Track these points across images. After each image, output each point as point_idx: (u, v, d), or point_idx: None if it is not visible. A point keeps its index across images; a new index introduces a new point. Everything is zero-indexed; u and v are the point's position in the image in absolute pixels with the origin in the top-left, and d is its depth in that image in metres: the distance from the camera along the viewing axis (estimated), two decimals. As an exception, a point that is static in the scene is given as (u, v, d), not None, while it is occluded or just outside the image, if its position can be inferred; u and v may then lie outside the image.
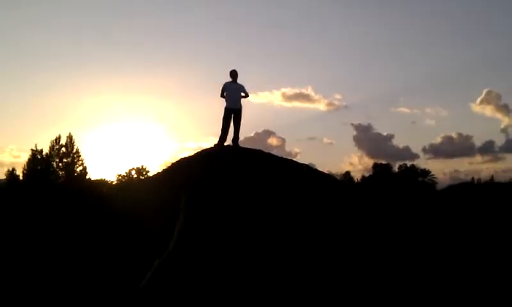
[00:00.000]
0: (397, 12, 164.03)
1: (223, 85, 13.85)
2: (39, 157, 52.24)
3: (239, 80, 13.95)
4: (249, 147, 14.28)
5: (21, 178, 52.36)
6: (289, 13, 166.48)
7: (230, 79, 13.85)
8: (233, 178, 11.28)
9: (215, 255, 8.31)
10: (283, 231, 9.24)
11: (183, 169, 12.56)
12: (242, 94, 13.86)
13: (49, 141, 53.16)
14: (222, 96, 13.84)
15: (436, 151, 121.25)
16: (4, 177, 54.94)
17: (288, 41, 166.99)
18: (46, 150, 52.59)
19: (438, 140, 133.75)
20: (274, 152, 14.73)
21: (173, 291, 7.41)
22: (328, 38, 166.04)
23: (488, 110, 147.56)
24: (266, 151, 14.30)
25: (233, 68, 13.94)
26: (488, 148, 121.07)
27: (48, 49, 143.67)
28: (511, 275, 8.48)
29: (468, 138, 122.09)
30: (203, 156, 13.32)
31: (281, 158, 13.97)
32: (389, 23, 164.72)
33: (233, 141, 13.71)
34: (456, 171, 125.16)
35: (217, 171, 11.65)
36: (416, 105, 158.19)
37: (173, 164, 13.82)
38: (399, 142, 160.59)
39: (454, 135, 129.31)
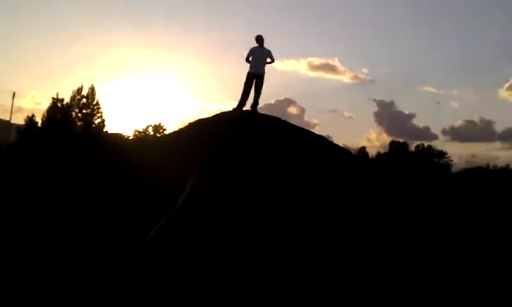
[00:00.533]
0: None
1: (250, 49, 13.82)
2: (59, 105, 52.69)
3: (265, 46, 13.90)
4: (267, 114, 14.34)
5: (39, 125, 52.92)
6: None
7: (256, 45, 13.82)
8: (247, 144, 11.37)
9: (223, 218, 8.45)
10: (291, 201, 9.34)
11: (199, 130, 12.66)
12: (268, 59, 13.83)
13: (71, 91, 53.61)
14: (247, 60, 13.82)
15: (455, 133, 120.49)
16: (23, 123, 55.64)
17: (320, 10, 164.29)
18: (67, 99, 53.06)
19: (460, 123, 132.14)
20: (293, 121, 14.78)
21: (178, 247, 7.58)
22: (360, 10, 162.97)
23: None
24: (285, 119, 14.34)
25: (259, 34, 13.88)
26: (509, 135, 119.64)
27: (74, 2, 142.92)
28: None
29: (489, 123, 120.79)
30: (220, 119, 13.40)
31: (297, 127, 14.00)
32: (422, 1, 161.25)
33: (252, 106, 13.75)
34: (473, 155, 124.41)
35: (232, 135, 11.74)
36: (443, 86, 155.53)
37: (190, 124, 13.92)
38: (419, 121, 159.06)
39: (476, 119, 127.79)
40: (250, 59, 13.74)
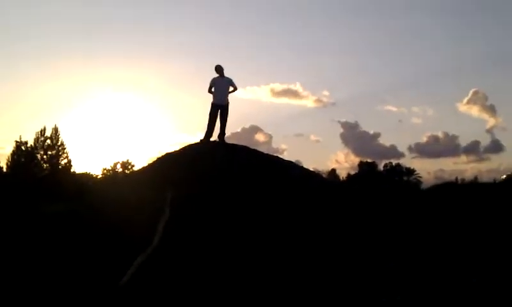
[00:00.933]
0: (386, 12, 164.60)
1: (211, 80, 13.77)
2: (23, 148, 51.79)
3: (227, 74, 13.88)
4: (235, 143, 14.29)
5: (5, 170, 51.89)
6: (280, 8, 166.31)
7: (216, 75, 13.78)
8: (218, 175, 11.27)
9: (199, 251, 8.28)
10: (266, 229, 9.23)
11: (168, 165, 12.52)
12: (231, 88, 13.79)
13: (34, 133, 52.81)
14: (210, 91, 13.76)
15: (421, 150, 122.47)
16: (-13, 169, 54.48)
17: (278, 37, 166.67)
18: (31, 142, 52.21)
19: (424, 139, 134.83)
20: (261, 148, 14.79)
21: (155, 288, 7.35)
22: (318, 34, 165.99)
23: (475, 110, 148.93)
24: (253, 147, 14.32)
25: (218, 64, 13.81)
26: (473, 148, 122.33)
27: (34, 40, 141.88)
28: (493, 276, 8.53)
29: (453, 138, 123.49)
30: (188, 151, 13.28)
31: (267, 154, 13.97)
32: (378, 23, 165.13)
33: (219, 136, 13.69)
34: (440, 170, 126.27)
35: (203, 167, 11.62)
36: (403, 104, 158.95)
37: (158, 159, 13.76)
38: (385, 140, 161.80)
39: (440, 134, 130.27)
40: (212, 89, 13.70)
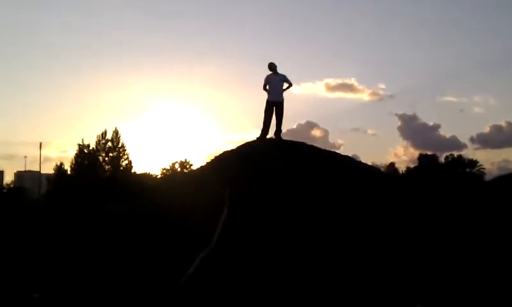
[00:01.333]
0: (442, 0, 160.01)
1: (265, 78, 13.80)
2: (86, 151, 53.57)
3: (281, 71, 13.86)
4: (292, 139, 14.24)
5: (69, 172, 53.81)
6: (333, 4, 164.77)
7: (270, 72, 13.79)
8: (275, 172, 11.25)
9: (258, 249, 8.30)
10: (325, 226, 9.16)
11: (225, 163, 12.60)
12: (286, 85, 13.77)
13: (95, 136, 54.53)
14: (265, 89, 13.79)
15: (484, 140, 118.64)
16: (52, 171, 56.68)
17: (332, 31, 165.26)
18: (92, 145, 53.94)
19: (487, 129, 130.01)
20: (318, 144, 14.69)
21: (215, 285, 7.43)
22: (371, 26, 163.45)
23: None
24: (309, 143, 14.23)
25: (271, 61, 13.84)
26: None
27: (95, 48, 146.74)
28: None
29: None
30: (245, 149, 13.33)
31: (324, 150, 13.87)
32: (434, 10, 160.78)
33: (275, 133, 13.66)
34: (504, 161, 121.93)
35: (261, 165, 11.63)
36: (464, 94, 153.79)
37: (215, 158, 13.89)
38: (445, 132, 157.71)
39: (503, 124, 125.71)
40: (267, 87, 13.70)
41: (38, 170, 66.05)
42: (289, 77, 13.80)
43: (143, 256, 8.67)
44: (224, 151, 13.95)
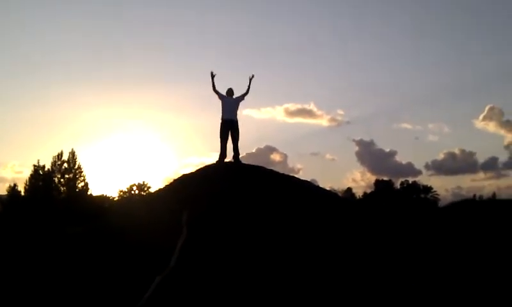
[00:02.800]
0: (397, 27, 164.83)
1: (221, 95, 13.83)
2: (41, 172, 52.42)
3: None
4: (250, 163, 14.33)
5: (23, 193, 52.47)
6: (291, 29, 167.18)
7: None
8: (234, 195, 11.30)
9: (217, 272, 8.30)
10: (283, 249, 9.23)
11: (184, 186, 12.58)
12: (241, 101, 13.86)
13: (51, 157, 53.49)
14: (215, 91, 13.82)
15: (438, 167, 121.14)
16: (6, 193, 55.12)
17: (291, 57, 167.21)
18: (48, 166, 52.84)
19: (441, 156, 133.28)
20: (277, 168, 14.80)
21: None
22: (331, 53, 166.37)
23: (491, 127, 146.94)
24: (268, 167, 14.35)
25: (230, 87, 14.03)
26: (491, 165, 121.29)
27: (51, 63, 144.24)
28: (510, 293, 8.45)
29: (471, 154, 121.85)
30: (204, 172, 13.35)
31: (282, 174, 13.99)
32: (390, 39, 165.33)
33: (233, 157, 13.70)
34: (458, 187, 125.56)
35: (219, 188, 11.66)
36: (419, 121, 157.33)
37: (174, 181, 13.85)
38: (401, 158, 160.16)
39: (456, 151, 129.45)
40: (220, 105, 13.71)
41: (-10, 191, 64.10)
42: (248, 101, 13.99)
43: (100, 278, 8.53)
44: (183, 174, 13.95)
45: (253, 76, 13.96)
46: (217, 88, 13.83)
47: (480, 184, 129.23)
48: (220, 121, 13.70)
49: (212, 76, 13.70)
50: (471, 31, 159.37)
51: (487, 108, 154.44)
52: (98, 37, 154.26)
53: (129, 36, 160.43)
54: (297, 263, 8.74)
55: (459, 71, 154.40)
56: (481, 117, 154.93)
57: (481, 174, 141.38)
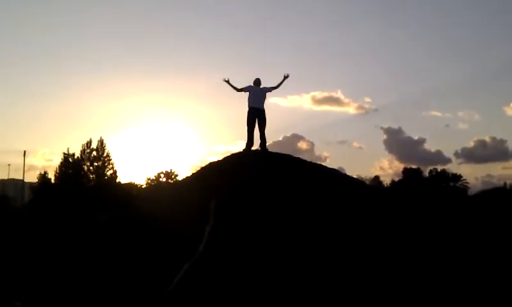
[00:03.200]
0: (426, 14, 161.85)
1: (247, 85, 13.85)
2: (70, 160, 53.19)
3: (267, 84, 13.98)
4: (277, 151, 14.30)
5: (53, 181, 53.36)
6: (318, 17, 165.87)
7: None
8: (261, 183, 11.31)
9: (244, 259, 8.34)
10: (311, 237, 9.22)
11: (212, 173, 12.63)
12: (268, 93, 13.84)
13: (81, 145, 54.21)
14: (239, 90, 13.80)
15: (468, 155, 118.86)
16: (36, 180, 56.19)
17: (318, 45, 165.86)
18: (78, 154, 53.60)
19: (471, 144, 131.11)
20: (303, 156, 14.73)
21: (201, 295, 7.45)
22: (358, 40, 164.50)
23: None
24: (295, 155, 14.30)
25: (258, 78, 14.01)
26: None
27: (80, 54, 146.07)
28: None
29: (501, 142, 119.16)
30: (231, 160, 13.38)
31: (309, 162, 13.94)
32: (419, 26, 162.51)
33: (261, 145, 13.69)
34: (488, 175, 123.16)
35: (246, 176, 11.68)
36: (449, 109, 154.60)
37: (202, 168, 13.92)
38: (430, 146, 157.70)
39: (487, 139, 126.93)
40: (247, 95, 13.72)
41: (22, 178, 65.30)
42: (275, 90, 13.93)
43: (129, 265, 8.65)
44: (210, 162, 14.00)
45: (288, 75, 13.93)
46: (239, 87, 13.90)
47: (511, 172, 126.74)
48: (247, 109, 13.71)
49: (227, 82, 13.80)
50: (501, 16, 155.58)
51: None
52: (125, 27, 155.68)
53: (156, 26, 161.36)
54: (324, 252, 8.73)
55: (489, 57, 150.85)
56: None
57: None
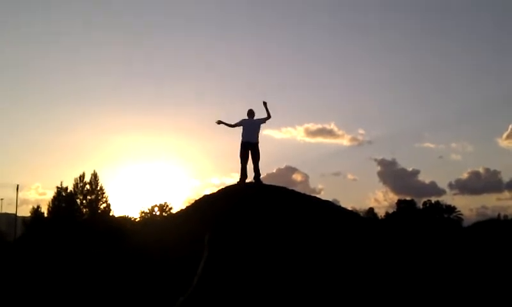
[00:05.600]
0: (420, 47, 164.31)
1: (240, 120, 13.89)
2: (64, 194, 53.00)
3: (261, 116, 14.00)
4: (271, 184, 14.32)
5: (46, 215, 53.07)
6: (312, 48, 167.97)
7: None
8: (256, 215, 11.31)
9: (239, 292, 8.32)
10: (306, 269, 9.22)
11: (207, 206, 12.63)
12: (261, 125, 13.84)
13: (74, 179, 54.07)
14: (232, 125, 13.84)
15: (462, 186, 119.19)
16: (29, 214, 55.86)
17: (312, 77, 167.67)
18: (71, 188, 53.43)
19: (465, 175, 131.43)
20: (298, 188, 14.74)
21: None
22: (351, 73, 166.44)
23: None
24: (289, 187, 14.31)
25: (251, 108, 14.00)
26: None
27: (73, 88, 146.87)
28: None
29: (495, 173, 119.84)
30: (226, 193, 13.39)
31: (303, 194, 13.96)
32: (413, 58, 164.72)
33: (254, 178, 13.69)
34: (483, 207, 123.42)
35: (241, 208, 11.69)
36: (442, 141, 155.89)
37: (196, 201, 13.90)
38: (424, 177, 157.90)
39: (481, 170, 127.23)
40: (241, 129, 13.74)
41: (14, 213, 64.89)
42: (268, 121, 13.93)
43: (124, 299, 8.60)
44: (205, 195, 13.99)
45: (265, 102, 13.93)
46: (232, 123, 13.97)
47: (506, 203, 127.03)
48: (240, 143, 13.74)
49: (220, 122, 13.93)
50: (494, 49, 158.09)
51: (510, 126, 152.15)
52: (118, 63, 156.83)
53: (150, 63, 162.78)
54: (320, 283, 8.73)
55: (482, 90, 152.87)
56: (505, 135, 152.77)
57: (506, 193, 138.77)
